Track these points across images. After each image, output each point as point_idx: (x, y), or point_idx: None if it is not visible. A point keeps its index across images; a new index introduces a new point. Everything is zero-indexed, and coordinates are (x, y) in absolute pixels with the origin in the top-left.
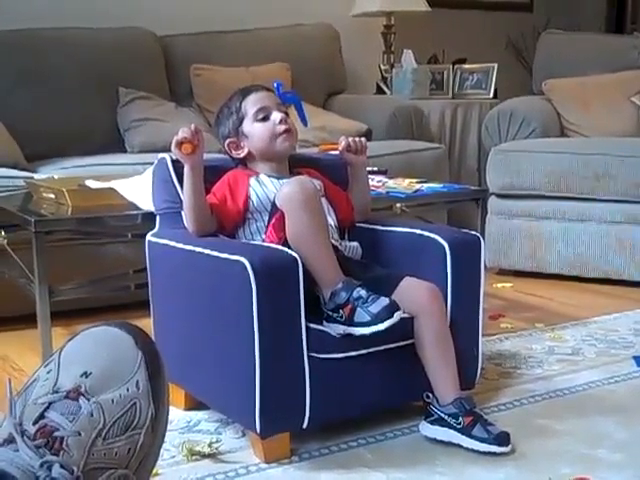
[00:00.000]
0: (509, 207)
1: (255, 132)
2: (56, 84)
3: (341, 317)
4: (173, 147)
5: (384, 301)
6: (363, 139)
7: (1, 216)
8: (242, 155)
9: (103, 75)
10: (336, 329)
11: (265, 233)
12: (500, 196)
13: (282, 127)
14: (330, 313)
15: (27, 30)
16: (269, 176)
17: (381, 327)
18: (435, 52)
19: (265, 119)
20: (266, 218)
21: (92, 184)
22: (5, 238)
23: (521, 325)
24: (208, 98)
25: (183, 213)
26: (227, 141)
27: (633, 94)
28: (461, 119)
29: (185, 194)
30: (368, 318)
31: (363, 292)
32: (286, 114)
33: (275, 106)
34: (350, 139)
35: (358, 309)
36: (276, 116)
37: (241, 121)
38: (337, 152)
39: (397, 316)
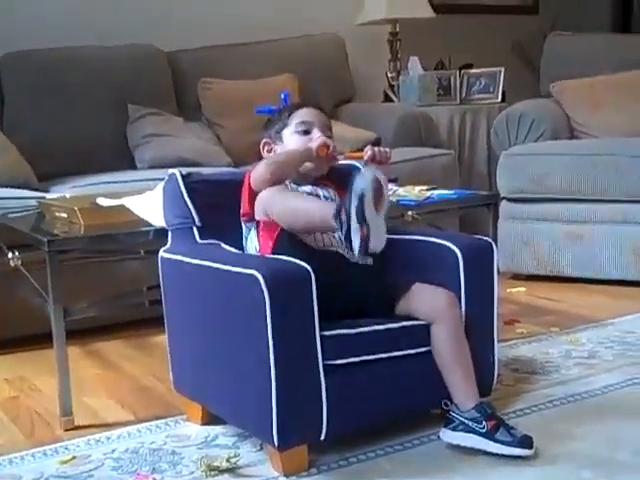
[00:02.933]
0: (521, 211)
1: (290, 142)
2: (65, 102)
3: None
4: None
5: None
6: (388, 149)
7: (14, 236)
8: None
9: (112, 92)
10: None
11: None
12: (511, 200)
13: (320, 152)
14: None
15: (37, 50)
16: (289, 182)
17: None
18: (441, 58)
19: (305, 133)
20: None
21: (103, 202)
22: (19, 259)
23: (536, 330)
24: (216, 112)
25: (262, 165)
26: (264, 140)
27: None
28: (470, 124)
29: (285, 156)
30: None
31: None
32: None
33: (320, 126)
34: (376, 149)
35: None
36: (316, 134)
37: (284, 127)
38: (362, 161)
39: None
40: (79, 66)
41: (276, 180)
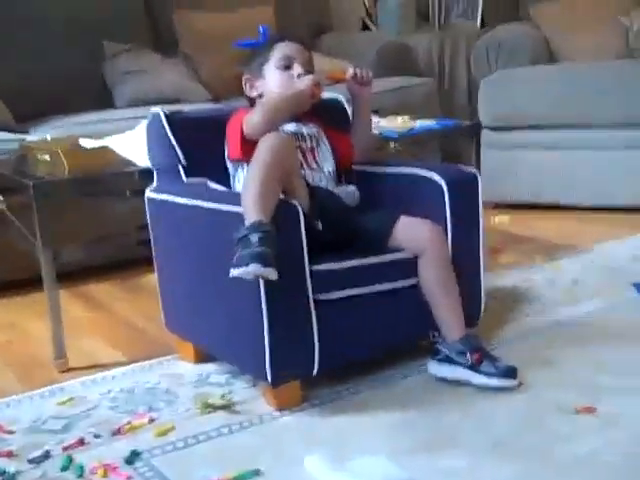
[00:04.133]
0: (503, 139)
1: (272, 77)
2: (38, 39)
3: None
4: (306, 84)
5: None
6: (370, 71)
7: None
8: (254, 95)
9: (86, 29)
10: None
11: None
12: (493, 128)
13: (315, 91)
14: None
15: None
16: None
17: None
18: None
19: (286, 68)
20: None
21: (86, 143)
22: (3, 202)
23: (520, 258)
24: (193, 46)
25: (257, 113)
26: (245, 76)
27: (621, 14)
28: (449, 51)
29: (280, 102)
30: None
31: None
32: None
33: (301, 61)
34: (357, 69)
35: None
36: (297, 70)
37: (264, 62)
38: (343, 80)
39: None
40: (53, 2)
41: (271, 127)
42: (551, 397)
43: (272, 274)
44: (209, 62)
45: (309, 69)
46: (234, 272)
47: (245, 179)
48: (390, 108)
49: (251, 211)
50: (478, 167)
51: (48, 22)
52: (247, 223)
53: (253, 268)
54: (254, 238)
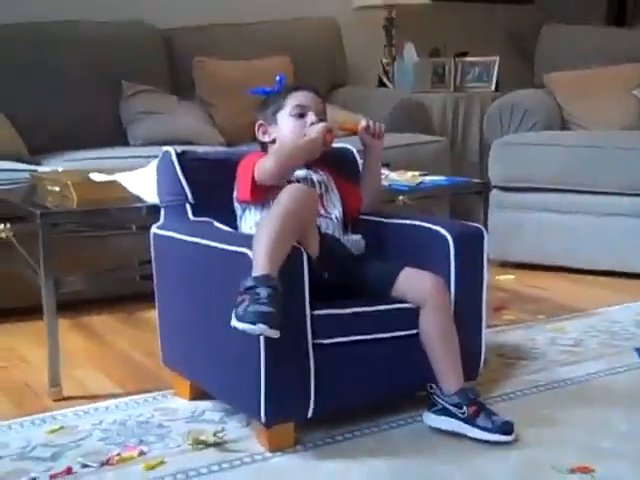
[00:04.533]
0: (511, 200)
1: (285, 124)
2: (58, 77)
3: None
4: (319, 132)
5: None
6: (382, 124)
7: (6, 208)
8: (266, 140)
9: (105, 68)
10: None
11: None
12: (502, 189)
13: (328, 139)
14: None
15: (29, 24)
16: None
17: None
18: (437, 45)
19: (300, 117)
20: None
21: (96, 177)
22: (10, 231)
23: (523, 317)
24: (210, 91)
25: (270, 159)
26: (259, 122)
27: (634, 87)
28: (463, 112)
29: (294, 150)
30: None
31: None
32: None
33: (315, 110)
34: (370, 121)
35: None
36: (311, 118)
37: (279, 109)
38: (356, 132)
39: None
40: (73, 41)
41: (284, 173)
42: (547, 455)
43: (275, 334)
44: (224, 108)
45: (323, 118)
46: (238, 325)
47: (261, 223)
48: (401, 163)
49: (262, 260)
50: (486, 226)
51: (69, 61)
52: (256, 272)
53: (260, 328)
54: (263, 293)
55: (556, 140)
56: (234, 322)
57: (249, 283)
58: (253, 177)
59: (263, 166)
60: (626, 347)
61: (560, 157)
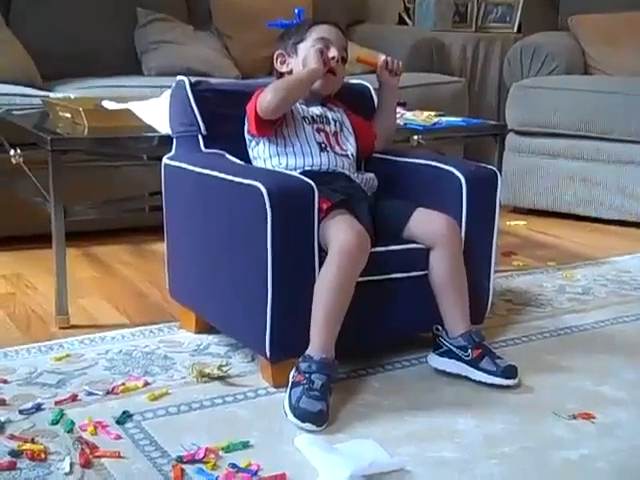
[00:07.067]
0: (527, 144)
1: (306, 54)
2: (73, 3)
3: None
4: (318, 59)
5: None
6: (400, 61)
7: (17, 134)
8: (284, 70)
9: None
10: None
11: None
12: (519, 133)
13: (332, 65)
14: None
15: None
16: (299, 103)
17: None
18: None
19: (321, 49)
20: None
21: (109, 105)
22: (21, 156)
23: (533, 263)
24: (227, 22)
25: (270, 90)
26: (278, 51)
27: None
28: (483, 53)
29: (294, 81)
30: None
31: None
32: (344, 61)
33: (338, 45)
34: (389, 57)
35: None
36: (333, 53)
37: (301, 40)
38: (374, 67)
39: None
40: None
41: (284, 106)
42: (549, 401)
43: (320, 429)
44: (241, 40)
45: (344, 55)
46: (289, 416)
47: (317, 291)
48: (418, 103)
49: (319, 340)
50: (500, 169)
51: None
52: (313, 353)
53: (307, 427)
54: (317, 382)
55: (577, 85)
56: (287, 409)
57: (306, 365)
58: (256, 110)
59: (264, 98)
60: (634, 297)
61: (580, 103)
